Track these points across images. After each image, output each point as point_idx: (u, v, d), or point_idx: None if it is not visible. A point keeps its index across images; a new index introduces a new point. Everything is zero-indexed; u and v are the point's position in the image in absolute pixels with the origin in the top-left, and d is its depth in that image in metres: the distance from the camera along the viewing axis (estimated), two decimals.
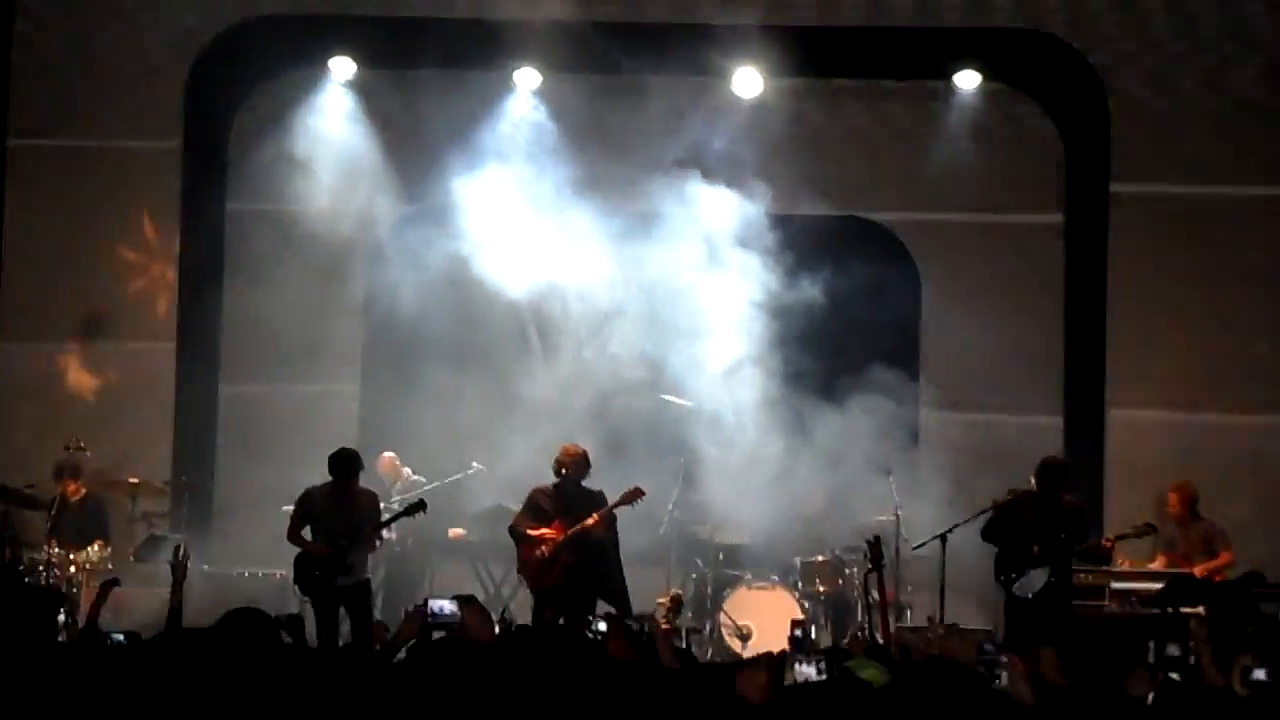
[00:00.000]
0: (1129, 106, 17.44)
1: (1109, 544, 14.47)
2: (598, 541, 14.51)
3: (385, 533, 14.72)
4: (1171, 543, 15.92)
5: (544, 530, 14.48)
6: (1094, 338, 17.58)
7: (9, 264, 17.73)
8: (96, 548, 15.89)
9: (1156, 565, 15.84)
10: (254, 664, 6.53)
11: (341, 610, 14.13)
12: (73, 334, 17.81)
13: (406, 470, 17.05)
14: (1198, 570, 15.31)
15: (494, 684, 6.17)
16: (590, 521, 14.41)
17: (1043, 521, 14.28)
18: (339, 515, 14.29)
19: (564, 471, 14.61)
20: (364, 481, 14.70)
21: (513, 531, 14.77)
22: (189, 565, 12.03)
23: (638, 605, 14.49)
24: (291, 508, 14.77)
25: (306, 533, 14.42)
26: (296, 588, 14.36)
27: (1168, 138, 17.45)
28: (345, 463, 14.36)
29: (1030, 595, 14.16)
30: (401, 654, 7.81)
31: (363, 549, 14.31)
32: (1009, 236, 17.97)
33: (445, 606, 8.48)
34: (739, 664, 6.96)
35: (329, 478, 14.36)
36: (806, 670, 7.24)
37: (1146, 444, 17.19)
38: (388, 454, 17.14)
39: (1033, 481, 14.41)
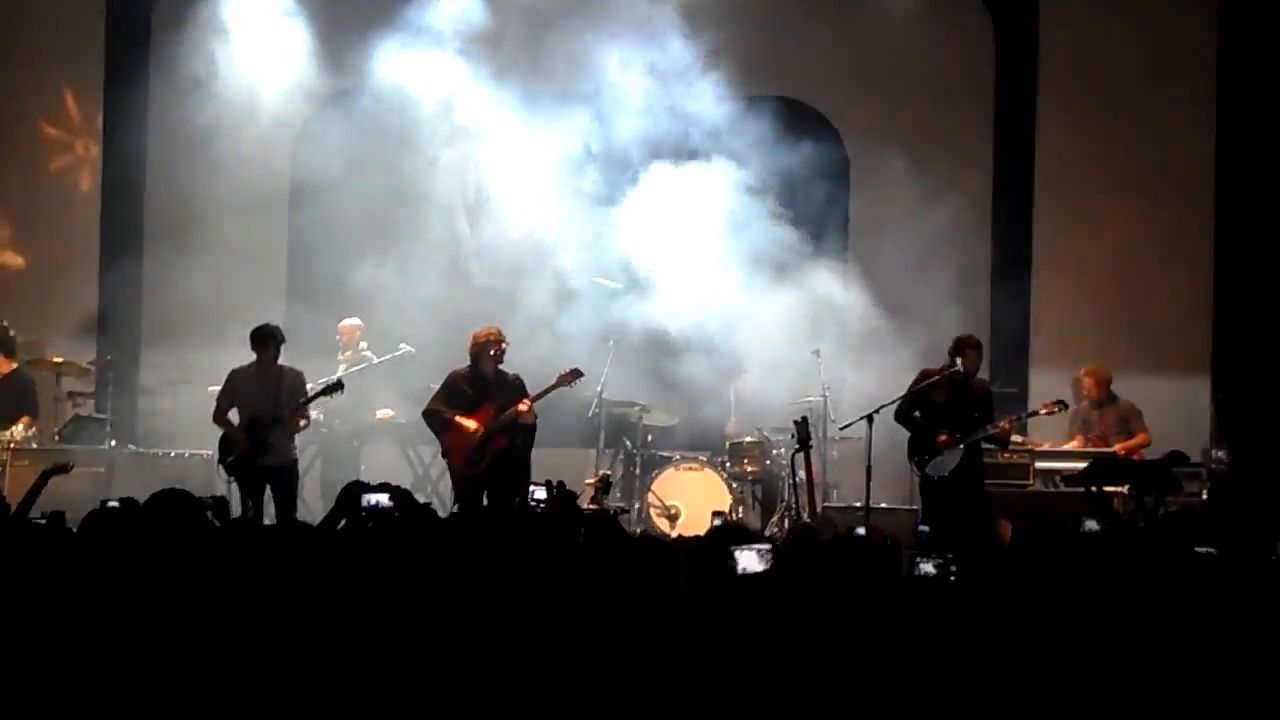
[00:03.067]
0: None
1: (1007, 427, 14.51)
2: (525, 429, 14.45)
3: (311, 411, 14.64)
4: (1088, 423, 16.14)
5: (471, 419, 14.36)
6: (1020, 218, 17.68)
7: None
8: (22, 426, 15.80)
9: (1074, 446, 16.02)
10: (180, 544, 6.50)
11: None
12: None
13: (364, 345, 16.90)
14: (1117, 450, 15.51)
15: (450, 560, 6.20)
16: (523, 408, 14.30)
17: (954, 402, 14.34)
18: (263, 395, 14.25)
19: (483, 354, 14.50)
20: (309, 348, 14.66)
21: (430, 416, 14.59)
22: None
23: (567, 486, 14.47)
24: (216, 388, 14.70)
25: (233, 415, 14.36)
26: (221, 469, 14.31)
27: (1096, 19, 17.48)
28: (265, 337, 14.31)
29: (944, 474, 14.23)
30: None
31: (285, 429, 14.23)
32: (940, 121, 17.93)
33: (379, 500, 8.39)
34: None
35: (253, 357, 14.30)
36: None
37: (1071, 320, 17.34)
38: (353, 320, 16.99)
39: (959, 362, 14.41)
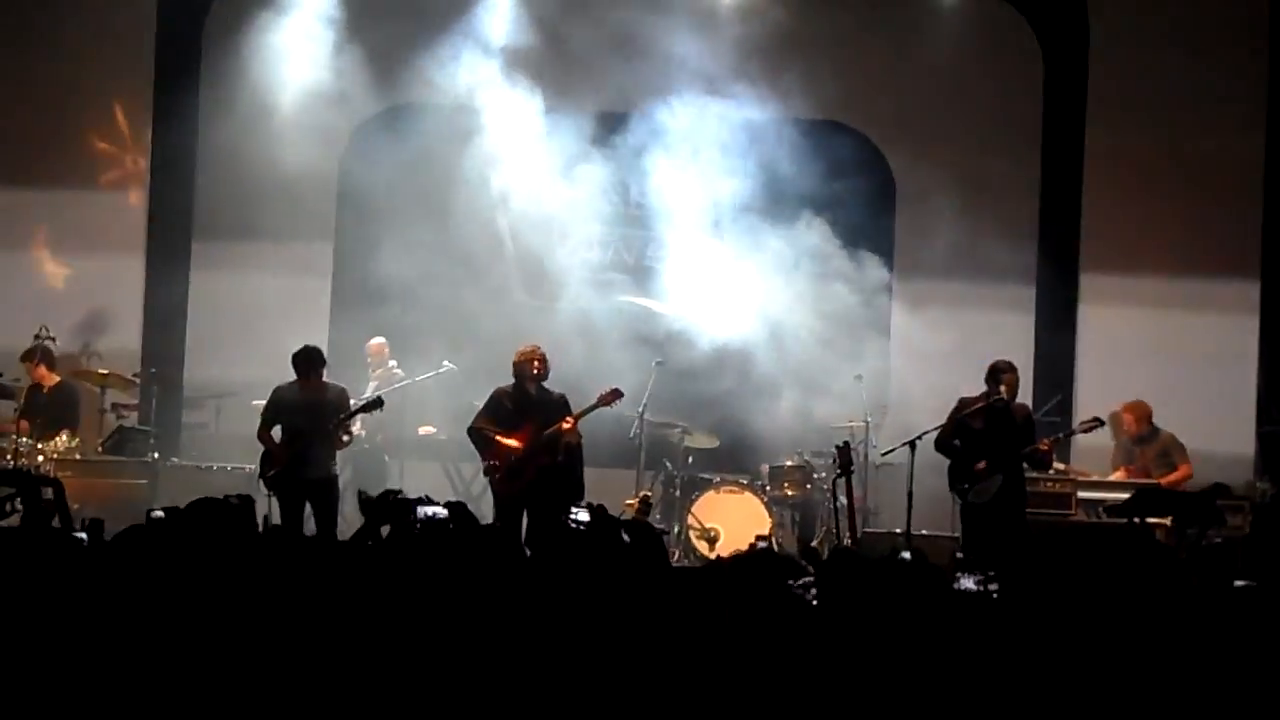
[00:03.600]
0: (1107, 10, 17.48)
1: (1045, 447, 14.44)
2: (569, 448, 14.43)
3: (352, 427, 14.68)
4: (1130, 456, 16.07)
5: (512, 438, 14.36)
6: (1067, 248, 17.64)
7: None
8: (65, 436, 15.90)
9: (1117, 478, 15.98)
10: (219, 551, 6.50)
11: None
12: (45, 224, 17.78)
13: (392, 362, 17.02)
14: (1159, 484, 15.45)
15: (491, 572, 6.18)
16: (566, 426, 14.29)
17: (993, 429, 14.28)
18: (305, 412, 14.29)
19: (533, 372, 14.50)
20: (349, 364, 14.71)
21: (474, 434, 14.62)
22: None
23: (607, 507, 14.43)
24: (260, 402, 14.76)
25: (277, 431, 14.42)
26: (261, 483, 14.37)
27: (1146, 45, 17.45)
28: (305, 360, 14.35)
29: (986, 501, 14.18)
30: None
31: (326, 445, 14.28)
32: (987, 143, 17.89)
33: (436, 513, 8.35)
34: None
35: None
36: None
37: (1116, 349, 17.29)
38: (379, 339, 17.10)
39: (1002, 389, 14.36)
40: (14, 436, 15.75)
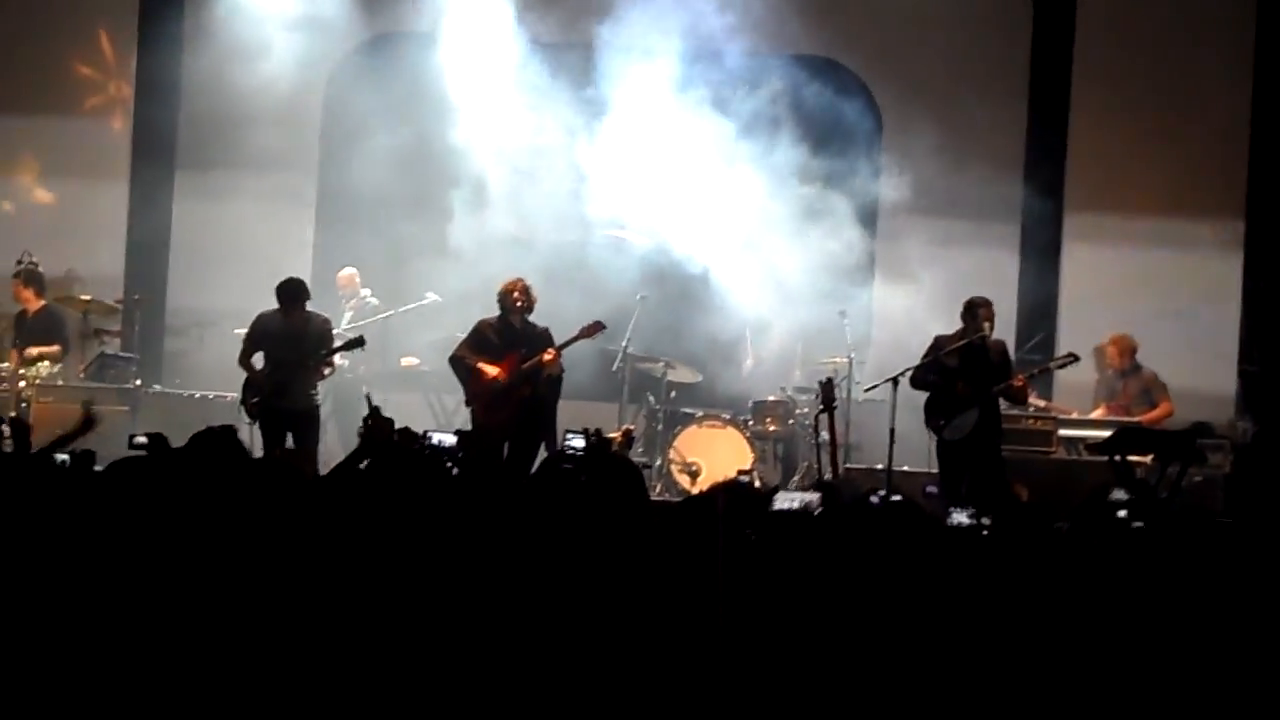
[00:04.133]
0: None
1: (1020, 382, 14.44)
2: (550, 380, 14.44)
3: (335, 359, 14.67)
4: (1112, 392, 16.13)
5: (496, 369, 14.36)
6: (1052, 184, 17.63)
7: None
8: (47, 363, 15.88)
9: (1098, 415, 16.02)
10: (224, 485, 6.48)
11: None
12: (29, 149, 17.72)
13: (365, 291, 17.03)
14: (1140, 421, 15.49)
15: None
16: (548, 357, 14.27)
17: (970, 365, 14.29)
18: (288, 341, 14.31)
19: (514, 304, 14.49)
20: (322, 296, 14.72)
21: (456, 362, 14.62)
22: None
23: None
24: (242, 330, 14.75)
25: (259, 359, 14.43)
26: (243, 411, 14.38)
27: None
28: (291, 293, 14.35)
29: (962, 437, 14.20)
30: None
31: (308, 376, 14.32)
32: (974, 81, 17.85)
33: (445, 439, 8.29)
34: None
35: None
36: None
37: (1100, 288, 17.31)
38: (349, 270, 17.10)
39: (985, 325, 14.37)
40: (3, 365, 15.78)
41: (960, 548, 6.43)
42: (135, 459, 7.05)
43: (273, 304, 14.43)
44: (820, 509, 6.60)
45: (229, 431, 6.95)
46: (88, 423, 9.25)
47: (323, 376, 14.53)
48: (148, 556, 6.05)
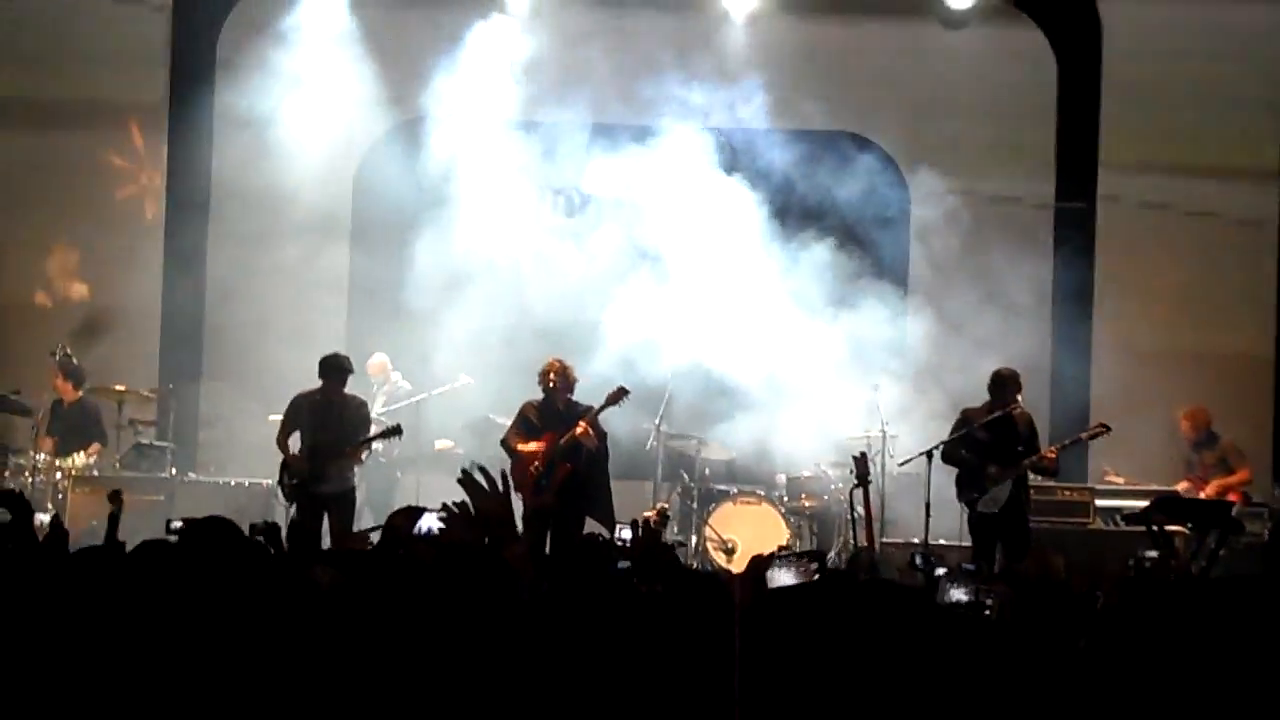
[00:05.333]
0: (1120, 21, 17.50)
1: (1052, 455, 14.41)
2: (590, 455, 14.39)
3: (366, 448, 14.73)
4: (1190, 465, 15.96)
5: (533, 446, 14.35)
6: (1082, 254, 17.62)
7: None
8: (83, 454, 15.95)
9: (1182, 488, 15.84)
10: (217, 573, 6.44)
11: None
12: (61, 241, 17.82)
13: (396, 375, 17.08)
14: (1212, 487, 15.37)
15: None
16: (579, 430, 14.17)
17: (998, 437, 14.27)
18: (326, 423, 14.42)
19: (550, 385, 14.51)
20: (353, 382, 14.77)
21: (504, 446, 14.68)
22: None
23: (624, 520, 14.41)
24: (277, 417, 14.82)
25: (295, 439, 14.52)
26: (280, 493, 14.43)
27: (1160, 56, 17.44)
28: (336, 367, 14.50)
29: (995, 510, 14.17)
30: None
31: (345, 460, 14.42)
32: (1000, 156, 17.89)
33: (430, 526, 8.09)
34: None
35: (317, 383, 14.43)
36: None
37: (1132, 358, 17.24)
38: (379, 356, 17.14)
39: (1019, 396, 14.36)
40: (32, 454, 15.82)
41: (956, 629, 6.36)
42: (155, 544, 7.02)
43: (308, 386, 14.50)
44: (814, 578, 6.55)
45: (225, 523, 6.91)
46: (114, 511, 9.19)
47: (360, 461, 14.61)
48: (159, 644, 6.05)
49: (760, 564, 6.51)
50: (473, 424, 16.46)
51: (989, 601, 6.78)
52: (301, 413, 14.56)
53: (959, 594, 6.84)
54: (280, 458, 14.49)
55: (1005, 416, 14.27)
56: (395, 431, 14.75)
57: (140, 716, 5.84)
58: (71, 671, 6.00)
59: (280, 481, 14.43)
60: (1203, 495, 15.40)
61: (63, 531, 7.74)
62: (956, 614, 6.69)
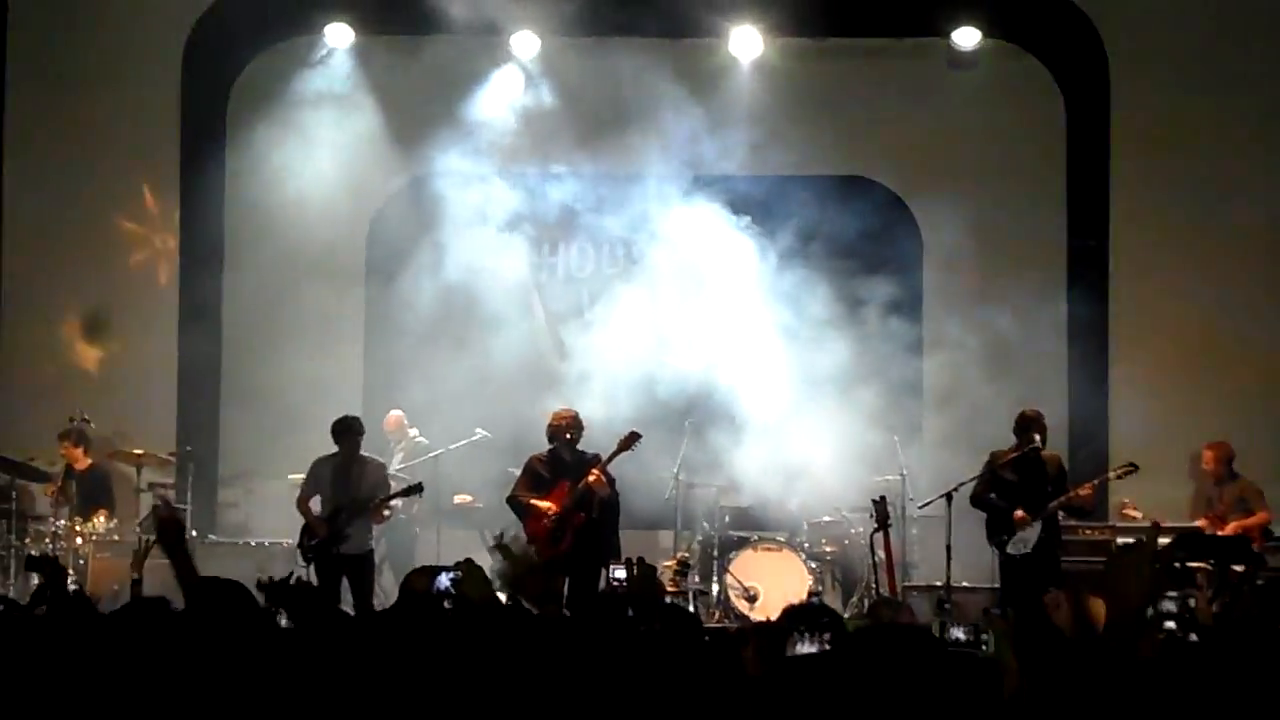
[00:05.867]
0: (1128, 59, 17.50)
1: (1087, 492, 14.40)
2: (604, 501, 14.39)
3: (388, 507, 14.77)
4: (1210, 502, 15.85)
5: (546, 500, 14.35)
6: (1096, 295, 17.59)
7: (8, 236, 17.67)
8: (102, 518, 15.96)
9: (1200, 525, 15.75)
10: (226, 637, 6.43)
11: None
12: (74, 308, 17.85)
13: (413, 431, 17.10)
14: (1230, 527, 15.29)
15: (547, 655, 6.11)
16: (592, 478, 14.21)
17: (1026, 479, 14.26)
18: (344, 485, 14.55)
19: (559, 436, 14.51)
20: (369, 439, 14.83)
21: (512, 502, 14.65)
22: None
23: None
24: (296, 476, 14.85)
25: (316, 502, 14.64)
26: (299, 554, 14.47)
27: (1168, 92, 17.44)
28: (346, 429, 14.63)
29: (1027, 551, 14.15)
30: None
31: (365, 520, 14.55)
32: (1011, 195, 17.91)
33: (444, 583, 7.99)
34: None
35: (334, 447, 14.50)
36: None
37: (1150, 395, 17.17)
38: (396, 412, 17.16)
39: (1036, 437, 14.36)
40: (51, 520, 15.84)
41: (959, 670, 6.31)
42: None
43: (322, 447, 14.55)
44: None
45: (236, 586, 6.89)
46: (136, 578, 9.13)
47: (382, 520, 14.72)
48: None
49: (775, 632, 6.46)
50: (492, 478, 16.44)
51: (985, 637, 6.78)
52: (322, 476, 14.69)
53: (957, 633, 6.84)
54: (301, 521, 14.56)
55: (1034, 457, 14.28)
56: (416, 489, 14.88)
57: None
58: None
59: (300, 544, 14.48)
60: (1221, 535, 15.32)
61: (84, 598, 7.74)
62: (960, 654, 6.65)
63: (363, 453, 14.77)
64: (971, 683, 5.83)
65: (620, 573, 9.19)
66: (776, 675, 6.07)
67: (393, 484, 15.02)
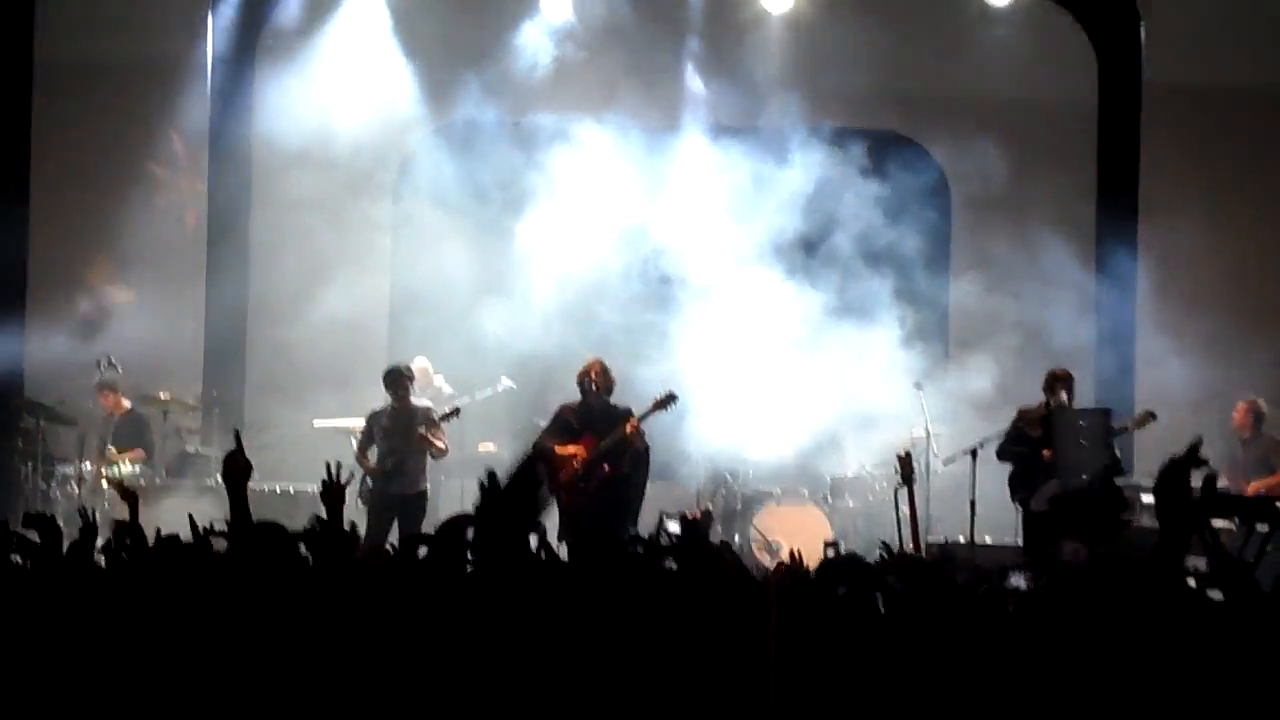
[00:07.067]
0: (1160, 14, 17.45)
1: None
2: (636, 455, 14.41)
3: (439, 440, 14.83)
4: (1233, 460, 15.84)
5: (573, 448, 14.35)
6: (1126, 249, 17.56)
7: (38, 180, 17.68)
8: (128, 461, 16.03)
9: (1222, 483, 15.76)
10: (268, 580, 6.49)
11: None
12: (102, 253, 17.89)
13: (439, 379, 17.13)
14: (1252, 486, 15.27)
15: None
16: (628, 429, 14.15)
17: (1051, 435, 14.24)
18: (397, 431, 14.74)
19: (590, 386, 14.51)
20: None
21: (539, 449, 14.66)
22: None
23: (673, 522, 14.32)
24: (323, 423, 15.31)
25: (373, 454, 14.83)
26: (358, 501, 14.54)
27: (1200, 48, 17.39)
28: (397, 378, 14.84)
29: (1050, 508, 14.14)
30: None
31: (417, 459, 14.70)
32: (1039, 151, 17.86)
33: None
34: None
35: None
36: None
37: (1176, 348, 17.16)
38: (421, 360, 17.18)
39: (1063, 395, 14.36)
40: (78, 462, 15.95)
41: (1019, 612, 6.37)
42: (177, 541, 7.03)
43: (352, 395, 14.62)
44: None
45: (277, 528, 6.93)
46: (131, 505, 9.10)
47: (437, 455, 14.88)
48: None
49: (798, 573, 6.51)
50: (517, 428, 16.46)
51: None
52: (375, 426, 14.89)
53: (1019, 580, 6.89)
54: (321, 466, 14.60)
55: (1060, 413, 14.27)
56: (454, 413, 15.09)
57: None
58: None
59: (359, 492, 14.57)
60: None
61: (92, 530, 7.75)
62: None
63: (412, 399, 14.92)
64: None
65: (674, 526, 9.10)
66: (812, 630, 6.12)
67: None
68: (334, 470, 7.55)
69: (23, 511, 8.81)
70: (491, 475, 6.29)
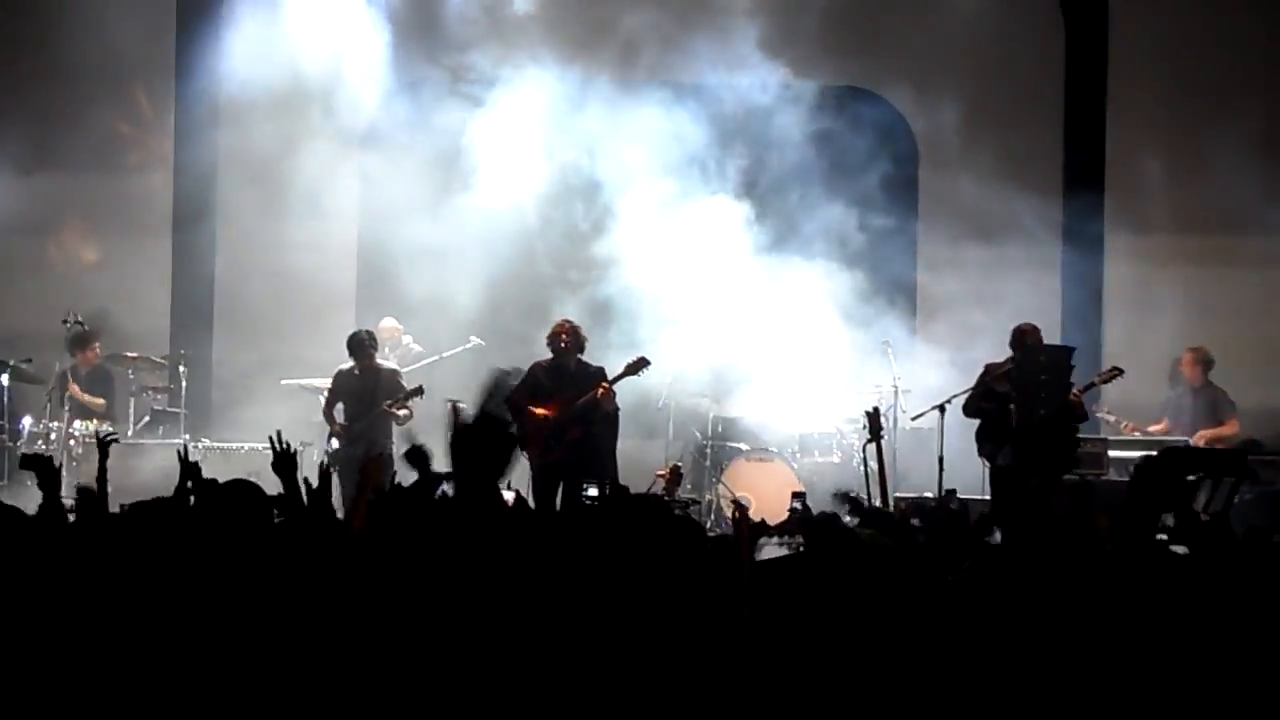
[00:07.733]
0: None
1: (1076, 398, 14.41)
2: (604, 418, 14.41)
3: (401, 412, 15.10)
4: (1180, 409, 15.94)
5: (544, 408, 14.34)
6: (1092, 208, 17.59)
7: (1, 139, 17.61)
8: (96, 421, 16.00)
9: (1158, 429, 15.89)
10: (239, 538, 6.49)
11: None
12: (70, 211, 17.84)
13: (407, 339, 17.14)
14: (1200, 437, 15.36)
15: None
16: (600, 392, 14.16)
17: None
18: (362, 394, 15.25)
19: (560, 346, 14.48)
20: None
21: (510, 405, 14.63)
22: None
23: (637, 478, 14.36)
24: (290, 381, 15.59)
25: (339, 411, 15.28)
26: (325, 461, 14.51)
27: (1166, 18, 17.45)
28: (360, 344, 15.24)
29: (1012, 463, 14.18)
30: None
31: (382, 423, 15.13)
32: (1009, 107, 17.87)
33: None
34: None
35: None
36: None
37: (1145, 304, 17.23)
38: (389, 320, 17.17)
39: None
40: (45, 421, 15.91)
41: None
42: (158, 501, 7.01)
43: (319, 354, 14.68)
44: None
45: (251, 486, 6.92)
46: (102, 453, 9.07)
47: (401, 421, 15.13)
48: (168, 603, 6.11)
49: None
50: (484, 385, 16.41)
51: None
52: (342, 386, 15.36)
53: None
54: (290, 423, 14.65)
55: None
56: (417, 392, 15.26)
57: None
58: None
59: (326, 457, 14.58)
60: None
61: (91, 496, 7.73)
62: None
63: (378, 361, 15.38)
64: None
65: (593, 490, 9.14)
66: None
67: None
68: (277, 440, 7.51)
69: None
70: (456, 411, 6.32)
